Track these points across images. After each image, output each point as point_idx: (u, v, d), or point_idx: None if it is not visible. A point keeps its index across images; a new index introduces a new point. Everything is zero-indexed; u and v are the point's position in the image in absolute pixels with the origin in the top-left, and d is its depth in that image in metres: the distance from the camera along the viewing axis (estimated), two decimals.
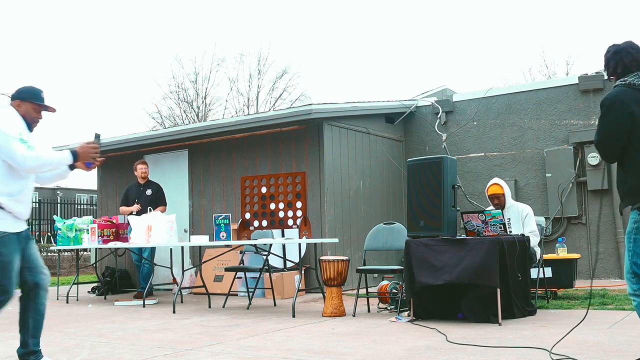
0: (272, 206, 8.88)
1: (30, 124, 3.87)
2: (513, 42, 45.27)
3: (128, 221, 8.62)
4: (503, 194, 6.29)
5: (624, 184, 3.41)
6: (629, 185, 3.38)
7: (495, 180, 6.44)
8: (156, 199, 8.69)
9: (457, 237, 5.51)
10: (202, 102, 27.78)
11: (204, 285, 7.49)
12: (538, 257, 6.22)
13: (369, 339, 4.69)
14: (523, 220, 6.23)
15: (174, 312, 6.77)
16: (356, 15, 50.73)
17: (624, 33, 39.77)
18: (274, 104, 27.68)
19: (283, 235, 8.45)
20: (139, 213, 8.33)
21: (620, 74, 3.42)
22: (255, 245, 7.03)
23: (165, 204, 8.78)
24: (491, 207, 6.50)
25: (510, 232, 6.16)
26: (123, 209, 8.80)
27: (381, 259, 8.95)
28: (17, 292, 3.91)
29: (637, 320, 4.88)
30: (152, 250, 8.30)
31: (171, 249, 8.14)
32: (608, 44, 3.54)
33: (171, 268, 8.14)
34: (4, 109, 3.85)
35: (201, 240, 7.26)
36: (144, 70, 48.69)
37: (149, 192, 8.69)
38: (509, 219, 6.31)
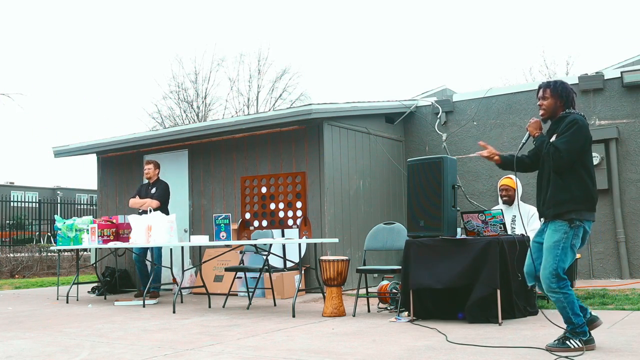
0: (272, 206, 8.88)
1: None
2: (513, 42, 45.32)
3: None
4: (514, 189, 6.42)
5: (563, 193, 4.02)
6: (570, 195, 4.00)
7: (510, 175, 6.51)
8: (154, 196, 8.61)
9: (457, 237, 5.50)
10: (202, 102, 27.78)
11: (204, 285, 7.49)
12: None
13: (369, 339, 4.69)
14: (529, 220, 6.27)
15: (174, 312, 6.77)
16: (356, 15, 50.76)
17: (624, 33, 39.80)
18: (274, 104, 27.70)
19: (283, 235, 8.45)
20: (145, 212, 8.28)
21: (570, 106, 4.18)
22: (255, 245, 7.03)
23: (157, 199, 8.43)
24: (495, 207, 6.50)
25: (514, 230, 6.18)
26: (132, 201, 8.72)
27: (381, 259, 8.95)
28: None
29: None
30: (159, 251, 8.27)
31: (171, 249, 8.14)
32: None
33: (171, 268, 8.14)
34: None
35: (201, 240, 7.26)
36: (144, 70, 48.76)
37: (153, 190, 8.65)
38: (514, 216, 6.33)
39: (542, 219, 4.23)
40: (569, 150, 4.00)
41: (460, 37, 49.18)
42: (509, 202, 6.44)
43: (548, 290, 4.01)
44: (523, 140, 4.41)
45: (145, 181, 9.04)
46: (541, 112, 4.26)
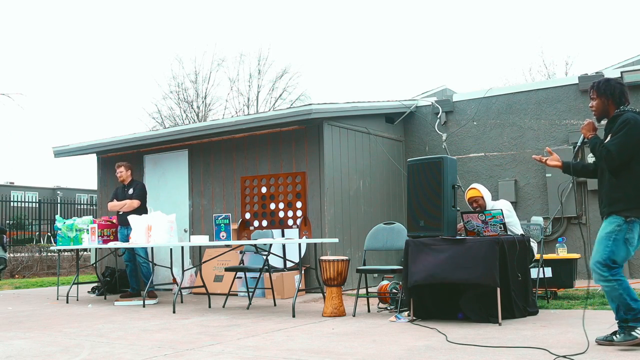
0: (272, 206, 8.88)
1: None
2: (512, 42, 45.33)
3: (117, 221, 8.57)
4: (482, 197, 6.10)
5: (617, 191, 4.04)
6: (623, 193, 4.02)
7: (473, 185, 6.32)
8: (133, 196, 8.53)
9: (457, 237, 5.50)
10: (202, 102, 27.77)
11: (204, 285, 7.49)
12: (535, 252, 6.20)
13: (369, 339, 4.69)
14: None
15: (174, 312, 6.77)
16: (356, 15, 50.78)
17: (624, 33, 39.81)
18: (274, 104, 27.69)
19: (283, 235, 8.45)
20: (126, 213, 8.26)
21: (622, 102, 4.17)
22: (255, 245, 7.03)
23: (137, 199, 8.43)
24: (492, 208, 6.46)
25: None
26: (111, 204, 8.64)
27: (381, 259, 8.95)
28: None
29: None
30: (144, 250, 8.28)
31: (171, 249, 8.14)
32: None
33: (171, 268, 8.14)
34: None
35: (201, 240, 7.26)
36: (144, 70, 48.74)
37: (130, 191, 8.60)
38: None
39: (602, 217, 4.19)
40: (619, 152, 4.02)
41: (460, 37, 49.20)
42: (482, 210, 6.24)
43: (599, 280, 4.00)
44: (578, 144, 4.45)
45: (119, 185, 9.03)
46: (593, 113, 4.33)
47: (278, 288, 7.85)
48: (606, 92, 4.20)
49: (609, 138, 4.12)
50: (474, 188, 6.22)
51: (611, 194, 4.08)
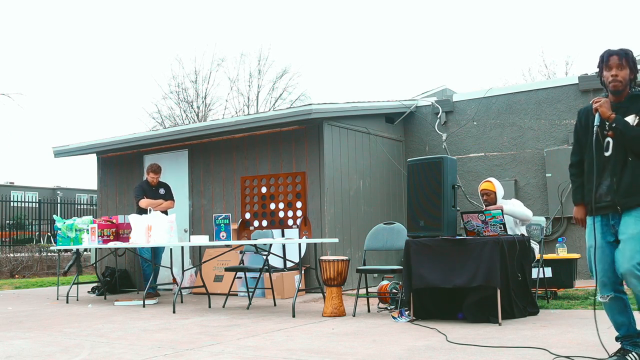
0: (272, 206, 8.88)
1: None
2: (512, 42, 45.34)
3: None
4: (494, 192, 6.20)
5: None
6: None
7: (489, 178, 6.45)
8: (167, 196, 8.81)
9: (457, 237, 5.50)
10: (202, 102, 27.76)
11: (204, 285, 7.49)
12: (537, 253, 6.20)
13: (369, 339, 4.69)
14: (514, 208, 6.13)
15: (174, 312, 6.77)
16: (356, 15, 50.77)
17: (623, 33, 39.80)
18: (274, 104, 27.68)
19: (283, 235, 8.46)
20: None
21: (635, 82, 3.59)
22: (255, 245, 7.03)
23: (172, 200, 8.84)
24: (492, 207, 6.48)
25: None
26: (149, 201, 8.61)
27: (381, 259, 8.95)
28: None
29: (636, 320, 4.88)
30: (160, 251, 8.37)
31: (171, 249, 8.13)
32: (607, 44, 3.62)
33: (171, 268, 8.14)
34: None
35: (201, 240, 7.26)
36: (144, 70, 48.75)
37: (162, 191, 8.76)
38: None
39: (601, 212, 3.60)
40: None
41: (460, 37, 49.20)
42: (491, 204, 6.33)
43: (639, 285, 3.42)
44: (597, 123, 3.57)
45: (141, 181, 9.11)
46: (615, 83, 3.57)
47: (278, 288, 7.85)
48: (635, 66, 3.58)
49: (632, 119, 3.50)
50: (489, 181, 6.35)
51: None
